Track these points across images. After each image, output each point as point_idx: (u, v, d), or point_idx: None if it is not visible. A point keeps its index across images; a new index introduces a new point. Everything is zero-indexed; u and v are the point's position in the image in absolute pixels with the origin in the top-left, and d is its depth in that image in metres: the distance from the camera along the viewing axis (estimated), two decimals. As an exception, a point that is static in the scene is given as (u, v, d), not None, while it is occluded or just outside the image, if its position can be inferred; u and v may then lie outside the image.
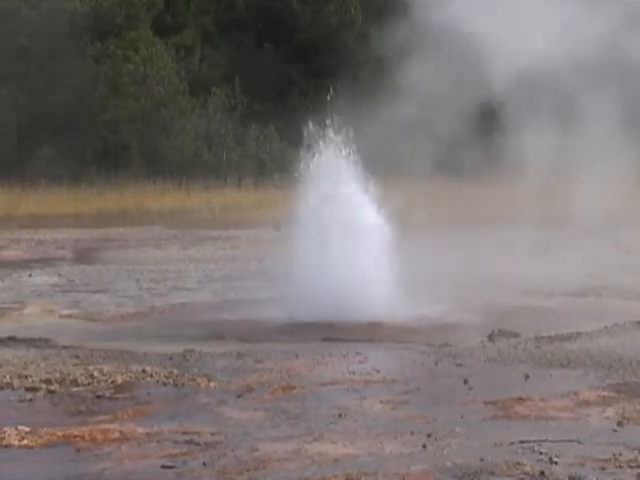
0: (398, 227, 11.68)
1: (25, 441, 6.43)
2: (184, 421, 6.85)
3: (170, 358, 9.00)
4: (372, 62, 30.79)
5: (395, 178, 13.72)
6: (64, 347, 9.69)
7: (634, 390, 7.56)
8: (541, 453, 5.94)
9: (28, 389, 7.83)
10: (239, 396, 7.57)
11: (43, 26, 32.09)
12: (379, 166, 12.19)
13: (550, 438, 6.23)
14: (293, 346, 9.63)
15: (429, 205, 15.87)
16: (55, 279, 15.37)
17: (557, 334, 9.75)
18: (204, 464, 5.88)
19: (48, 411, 7.27)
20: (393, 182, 13.00)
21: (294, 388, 7.81)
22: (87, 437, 6.47)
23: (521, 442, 6.15)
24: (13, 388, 7.90)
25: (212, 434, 6.51)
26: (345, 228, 11.66)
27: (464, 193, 22.30)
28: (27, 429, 6.63)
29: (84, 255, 18.92)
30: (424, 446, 6.13)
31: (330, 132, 12.12)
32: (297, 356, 9.01)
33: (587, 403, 7.21)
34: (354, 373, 8.30)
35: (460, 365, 8.56)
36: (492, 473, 5.60)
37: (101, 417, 7.00)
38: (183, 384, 7.99)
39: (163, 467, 5.86)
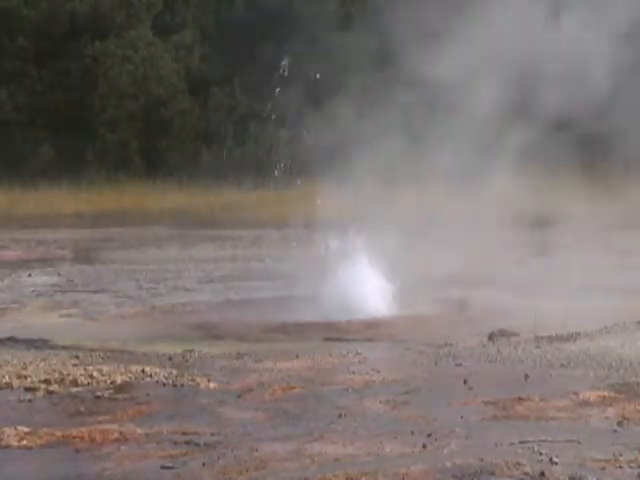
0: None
1: (24, 441, 6.42)
2: (184, 421, 6.84)
3: (169, 358, 8.99)
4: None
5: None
6: (64, 347, 9.68)
7: (634, 390, 7.54)
8: (541, 453, 5.93)
9: (27, 389, 7.82)
10: (239, 396, 7.56)
11: (43, 26, 32.11)
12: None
13: (550, 438, 6.22)
14: (293, 346, 9.62)
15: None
16: (55, 279, 15.36)
17: (557, 334, 9.75)
18: (204, 464, 5.87)
19: (47, 411, 7.26)
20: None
21: (294, 388, 7.79)
22: (86, 437, 6.45)
23: (521, 442, 6.14)
24: (12, 388, 7.88)
25: (212, 434, 6.50)
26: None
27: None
28: (26, 429, 6.61)
29: (84, 255, 18.91)
30: (424, 446, 6.12)
31: None
32: (297, 356, 9.00)
33: (587, 403, 7.20)
34: (354, 373, 8.29)
35: (460, 365, 8.55)
36: (492, 473, 5.59)
37: (100, 417, 6.99)
38: (182, 384, 7.98)
39: (163, 468, 5.85)
